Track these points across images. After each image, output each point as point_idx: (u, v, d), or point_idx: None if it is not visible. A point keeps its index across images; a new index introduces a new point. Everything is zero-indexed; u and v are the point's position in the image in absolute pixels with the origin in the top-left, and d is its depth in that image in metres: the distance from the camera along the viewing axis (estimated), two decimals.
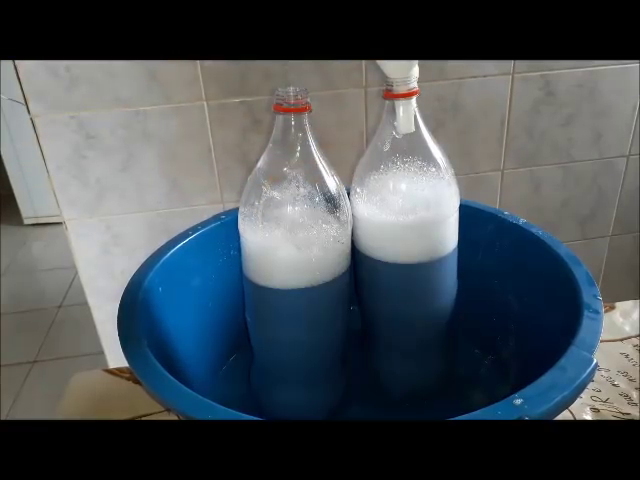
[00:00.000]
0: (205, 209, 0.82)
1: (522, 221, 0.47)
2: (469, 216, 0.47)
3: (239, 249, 0.44)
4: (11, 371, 1.50)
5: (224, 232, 0.49)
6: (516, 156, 0.89)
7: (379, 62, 0.40)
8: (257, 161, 0.42)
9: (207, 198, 0.81)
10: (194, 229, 0.48)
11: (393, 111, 0.41)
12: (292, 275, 0.41)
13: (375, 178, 0.43)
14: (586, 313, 0.36)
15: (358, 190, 0.43)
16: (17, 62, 0.69)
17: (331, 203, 0.40)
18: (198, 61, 0.73)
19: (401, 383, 0.49)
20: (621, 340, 0.55)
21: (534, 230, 0.46)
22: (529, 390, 0.31)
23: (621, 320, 0.57)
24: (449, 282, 0.46)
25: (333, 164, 0.42)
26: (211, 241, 0.49)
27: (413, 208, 0.42)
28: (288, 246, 0.40)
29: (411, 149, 0.42)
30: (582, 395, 0.33)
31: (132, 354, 0.35)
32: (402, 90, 0.40)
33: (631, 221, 1.00)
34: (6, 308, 1.76)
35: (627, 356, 0.53)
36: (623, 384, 0.50)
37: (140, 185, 0.79)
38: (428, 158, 0.42)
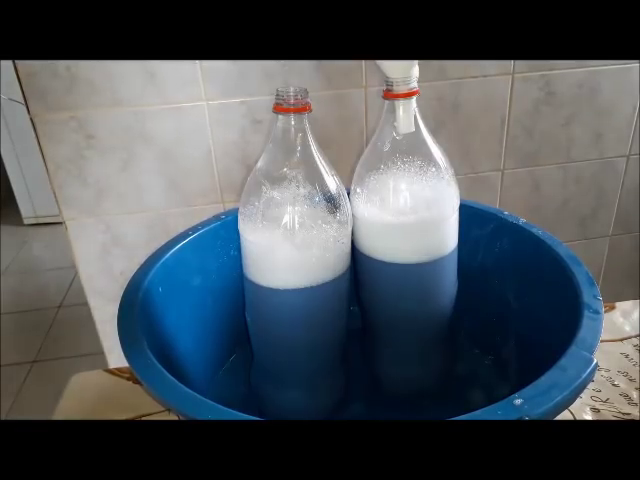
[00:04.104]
0: (205, 209, 0.82)
1: (522, 221, 0.47)
2: (469, 216, 0.47)
3: (239, 249, 0.44)
4: (11, 371, 1.50)
5: (224, 232, 0.49)
6: (516, 156, 0.89)
7: (379, 62, 0.40)
8: (257, 161, 0.42)
9: (207, 198, 0.81)
10: (194, 229, 0.48)
11: (393, 111, 0.41)
12: (292, 275, 0.41)
13: (375, 178, 0.43)
14: (586, 313, 0.36)
15: (358, 190, 0.43)
16: (17, 62, 0.69)
17: (331, 203, 0.40)
18: (198, 61, 0.73)
19: (401, 382, 0.49)
20: (621, 340, 0.55)
21: (534, 230, 0.46)
22: (529, 390, 0.31)
23: (621, 320, 0.57)
24: (449, 282, 0.46)
25: (333, 164, 0.42)
26: (211, 241, 0.49)
27: (413, 208, 0.42)
28: (288, 246, 0.40)
29: (411, 149, 0.42)
30: (582, 395, 0.33)
31: (132, 354, 0.35)
32: (402, 90, 0.40)
33: (631, 221, 1.00)
34: (6, 308, 1.76)
35: (627, 356, 0.53)
36: (623, 384, 0.50)
37: (140, 185, 0.79)
38: (428, 158, 0.42)
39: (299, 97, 0.39)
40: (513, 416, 0.29)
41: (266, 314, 0.44)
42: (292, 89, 0.39)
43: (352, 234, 0.43)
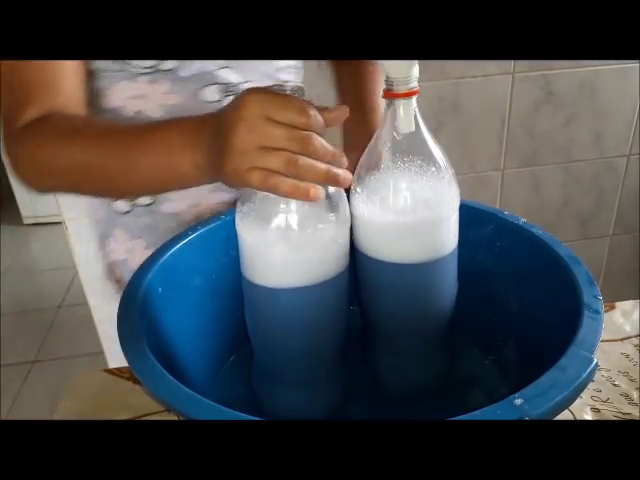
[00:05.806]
0: None
1: (522, 221, 0.47)
2: (469, 216, 0.47)
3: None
4: (11, 371, 1.50)
5: (224, 232, 0.48)
6: (516, 156, 0.89)
7: (379, 62, 0.40)
8: None
9: None
10: (194, 229, 0.48)
11: (393, 111, 0.41)
12: (290, 274, 0.40)
13: (375, 178, 0.43)
14: (586, 313, 0.36)
15: (358, 190, 0.43)
16: None
17: (329, 202, 0.40)
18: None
19: (401, 382, 0.49)
20: (621, 340, 0.55)
21: (534, 230, 0.46)
22: (529, 390, 0.31)
23: (621, 320, 0.57)
24: (449, 282, 0.46)
25: None
26: (211, 241, 0.49)
27: (413, 208, 0.42)
28: (286, 245, 0.39)
29: (411, 149, 0.42)
30: (582, 395, 0.33)
31: (132, 354, 0.35)
32: (402, 90, 0.40)
33: (631, 221, 1.00)
34: (6, 308, 1.76)
35: (627, 356, 0.53)
36: (623, 384, 0.50)
37: None
38: (428, 158, 0.42)
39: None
40: (513, 416, 0.29)
41: (265, 314, 0.44)
42: (289, 88, 0.39)
43: (352, 234, 0.43)
